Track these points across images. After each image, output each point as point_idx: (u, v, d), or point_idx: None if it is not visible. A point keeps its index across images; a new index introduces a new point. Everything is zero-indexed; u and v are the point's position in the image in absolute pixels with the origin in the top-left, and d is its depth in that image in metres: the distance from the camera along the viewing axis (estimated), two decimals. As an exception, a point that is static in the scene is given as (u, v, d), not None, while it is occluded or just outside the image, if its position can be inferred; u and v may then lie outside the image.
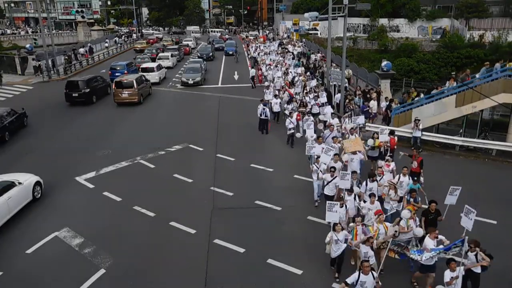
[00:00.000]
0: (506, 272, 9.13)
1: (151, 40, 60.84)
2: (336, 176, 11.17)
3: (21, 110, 20.84)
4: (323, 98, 19.57)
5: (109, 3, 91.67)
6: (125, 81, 24.96)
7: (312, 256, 9.94)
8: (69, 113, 23.53)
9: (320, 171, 11.97)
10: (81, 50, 46.42)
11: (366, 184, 10.90)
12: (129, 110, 23.98)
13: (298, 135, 17.15)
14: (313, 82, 22.87)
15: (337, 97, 21.25)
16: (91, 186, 13.91)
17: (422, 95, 19.96)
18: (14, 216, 11.67)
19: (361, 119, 15.56)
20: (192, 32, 75.87)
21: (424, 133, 17.72)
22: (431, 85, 24.49)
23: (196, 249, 10.27)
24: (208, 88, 30.04)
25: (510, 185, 14.00)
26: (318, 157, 12.39)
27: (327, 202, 9.23)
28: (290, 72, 27.36)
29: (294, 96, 21.34)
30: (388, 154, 13.13)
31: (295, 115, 17.58)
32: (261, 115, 18.81)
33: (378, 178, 11.19)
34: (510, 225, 11.31)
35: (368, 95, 20.32)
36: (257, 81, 29.65)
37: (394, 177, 11.44)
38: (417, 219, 9.31)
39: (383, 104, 19.68)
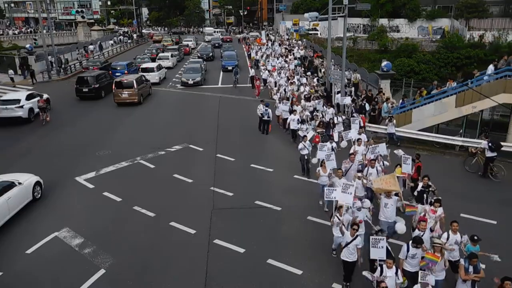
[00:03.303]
0: (506, 272, 9.10)
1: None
2: (358, 236, 8.53)
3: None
4: (356, 125, 15.76)
5: (109, 3, 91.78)
6: (125, 81, 25.00)
7: (312, 256, 9.94)
8: (68, 113, 23.54)
9: (343, 225, 8.93)
10: (91, 47, 48.25)
11: (408, 250, 8.14)
12: (129, 110, 23.98)
13: (314, 160, 13.54)
14: (347, 100, 19.00)
15: (337, 97, 21.22)
16: (91, 186, 13.91)
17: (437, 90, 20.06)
18: (14, 216, 11.66)
19: (382, 148, 12.60)
20: (207, 35, 70.97)
21: (423, 133, 17.82)
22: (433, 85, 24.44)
23: (196, 249, 10.27)
24: (208, 88, 30.04)
25: (510, 185, 14.00)
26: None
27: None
28: (296, 80, 24.74)
29: (315, 112, 18.57)
30: (434, 196, 10.24)
31: (310, 135, 14.85)
32: (263, 115, 18.78)
33: (421, 234, 8.61)
34: (510, 225, 11.31)
35: (375, 99, 20.22)
36: (256, 89, 26.73)
37: (442, 228, 9.06)
38: None
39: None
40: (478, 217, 11.45)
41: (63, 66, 36.87)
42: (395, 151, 12.69)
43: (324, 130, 16.42)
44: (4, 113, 20.84)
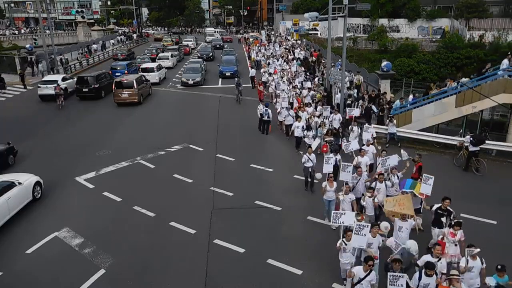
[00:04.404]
0: (507, 272, 9.10)
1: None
2: (372, 269, 7.58)
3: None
4: (368, 133, 14.66)
5: (109, 3, 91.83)
6: (125, 81, 25.01)
7: (312, 256, 9.94)
8: (68, 114, 23.55)
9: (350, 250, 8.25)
10: (94, 46, 48.85)
11: (420, 278, 7.33)
12: (129, 110, 23.97)
13: (318, 175, 12.59)
14: (356, 112, 17.21)
15: (337, 97, 21.20)
16: (91, 186, 13.91)
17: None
18: (14, 216, 11.66)
19: (393, 160, 11.33)
20: (208, 35, 68.74)
21: (423, 133, 17.82)
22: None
23: (196, 249, 10.27)
24: (208, 88, 30.03)
25: (510, 185, 14.01)
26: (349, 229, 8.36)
27: None
28: (298, 83, 24.01)
29: (322, 118, 17.34)
30: (452, 217, 9.33)
31: (315, 145, 13.96)
32: (262, 116, 18.77)
33: (436, 261, 7.76)
34: (510, 225, 11.31)
35: (382, 100, 20.13)
36: (258, 94, 25.39)
37: (460, 252, 8.35)
38: None
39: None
40: (478, 217, 11.46)
41: (63, 66, 36.88)
42: (401, 150, 12.74)
43: (332, 139, 15.15)
44: (45, 91, 25.69)
